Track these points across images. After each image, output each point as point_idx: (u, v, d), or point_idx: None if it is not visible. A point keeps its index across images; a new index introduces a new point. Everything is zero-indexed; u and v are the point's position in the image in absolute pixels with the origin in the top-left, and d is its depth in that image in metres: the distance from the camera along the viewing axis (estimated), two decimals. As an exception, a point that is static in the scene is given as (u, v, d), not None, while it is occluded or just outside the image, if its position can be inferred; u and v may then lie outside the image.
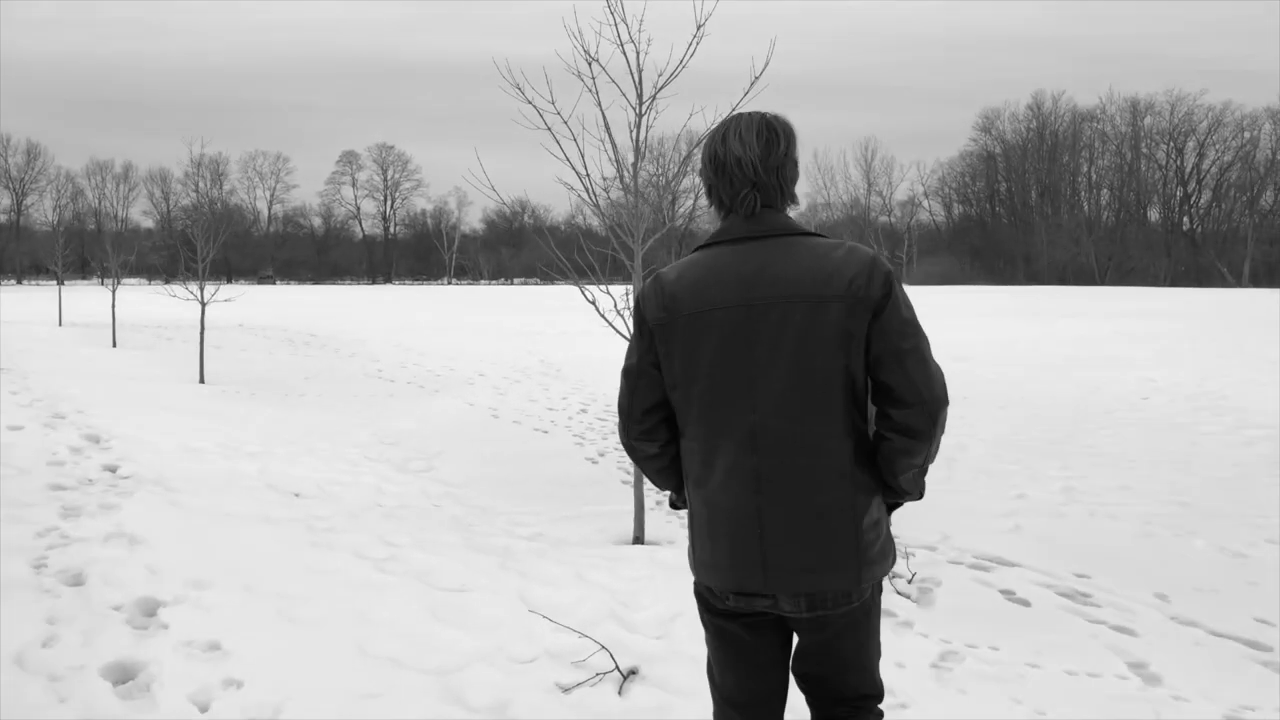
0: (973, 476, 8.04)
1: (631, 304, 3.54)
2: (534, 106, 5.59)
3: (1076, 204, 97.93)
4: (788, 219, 2.13)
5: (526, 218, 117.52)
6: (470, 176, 5.85)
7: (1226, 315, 32.80)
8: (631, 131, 5.56)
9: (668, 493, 2.38)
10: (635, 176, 5.60)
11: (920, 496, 2.19)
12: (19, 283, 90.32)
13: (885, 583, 3.64)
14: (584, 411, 11.71)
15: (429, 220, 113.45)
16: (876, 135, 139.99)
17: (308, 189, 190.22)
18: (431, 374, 15.81)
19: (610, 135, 5.49)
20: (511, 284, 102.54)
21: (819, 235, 2.12)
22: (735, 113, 2.18)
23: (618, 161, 5.59)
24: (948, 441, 9.36)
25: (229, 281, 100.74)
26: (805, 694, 2.36)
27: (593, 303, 5.96)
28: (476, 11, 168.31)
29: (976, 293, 56.93)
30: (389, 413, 11.52)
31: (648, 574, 5.02)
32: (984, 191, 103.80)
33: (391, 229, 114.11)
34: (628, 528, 6.02)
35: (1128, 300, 46.76)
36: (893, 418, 2.05)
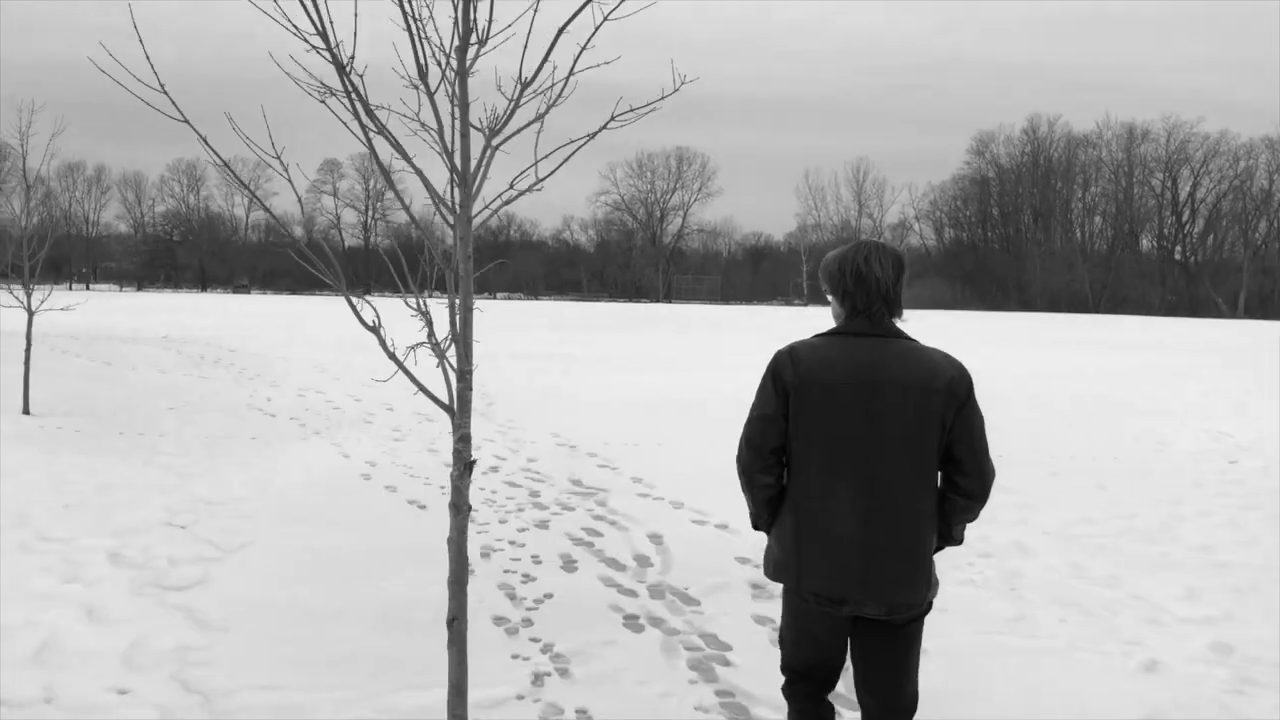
0: (1056, 612, 5.06)
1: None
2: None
3: (1070, 230, 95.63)
4: (896, 325, 2.84)
5: (513, 231, 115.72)
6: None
7: (1247, 349, 30.05)
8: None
9: (753, 514, 2.97)
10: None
11: (960, 543, 2.91)
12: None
13: None
14: (494, 470, 8.69)
15: (412, 231, 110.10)
16: (869, 156, 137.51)
17: (288, 198, 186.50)
18: (327, 407, 12.74)
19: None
20: (495, 298, 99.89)
21: (914, 340, 2.83)
22: (869, 239, 2.91)
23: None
24: (1000, 539, 6.46)
25: (203, 289, 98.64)
26: (865, 707, 2.92)
27: (375, 330, 3.00)
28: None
29: (974, 319, 54.14)
30: (229, 464, 8.48)
31: None
32: (976, 215, 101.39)
33: (373, 239, 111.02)
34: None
35: (1134, 331, 44.04)
36: (958, 484, 2.79)
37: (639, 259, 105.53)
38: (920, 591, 2.74)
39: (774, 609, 4.94)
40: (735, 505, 4.77)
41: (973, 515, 2.81)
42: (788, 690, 3.02)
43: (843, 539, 2.72)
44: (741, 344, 28.38)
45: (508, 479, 8.34)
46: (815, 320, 52.10)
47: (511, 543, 6.33)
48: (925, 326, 39.39)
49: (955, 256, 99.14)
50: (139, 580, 5.28)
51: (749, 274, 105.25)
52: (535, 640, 4.57)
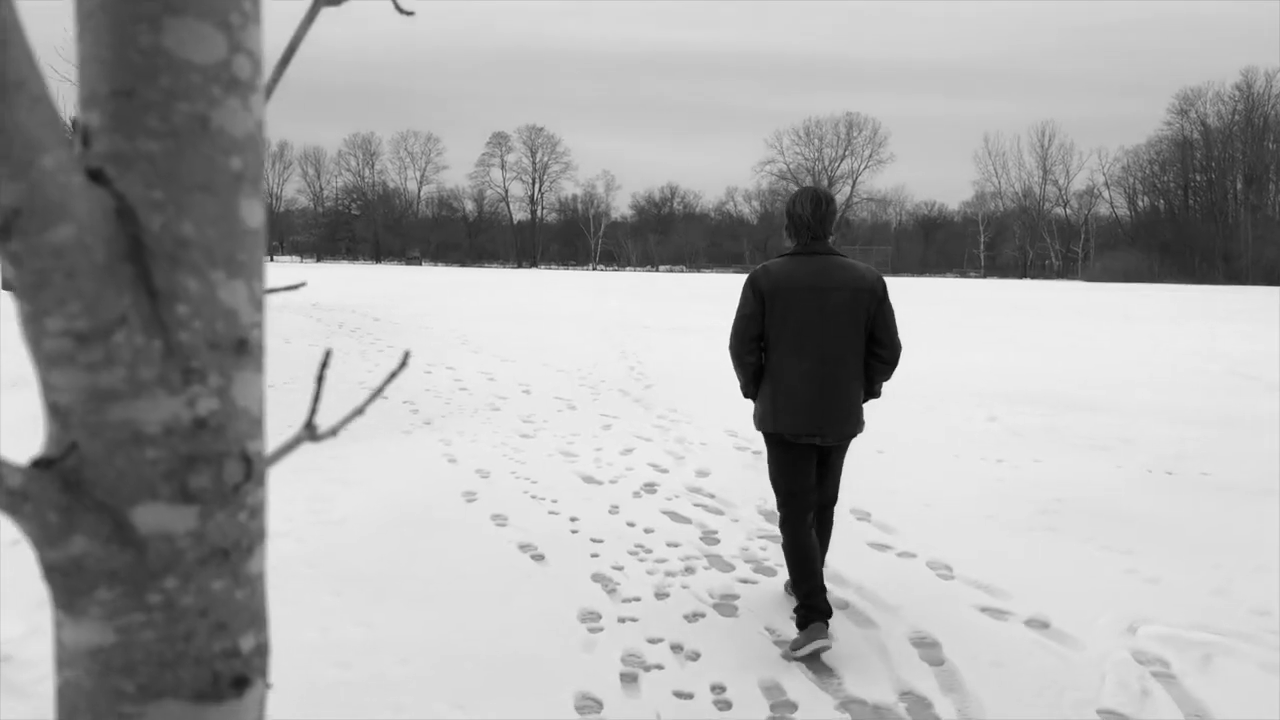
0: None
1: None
2: None
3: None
4: (829, 245, 3.89)
5: (676, 204, 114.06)
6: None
7: None
8: None
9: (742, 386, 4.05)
10: None
11: (879, 396, 4.03)
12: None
13: None
14: (650, 490, 6.10)
15: (578, 205, 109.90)
16: (1054, 120, 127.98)
17: (458, 171, 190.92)
18: (453, 387, 10.45)
19: None
20: (657, 270, 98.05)
21: (844, 255, 3.91)
22: (804, 186, 4.07)
23: None
24: None
25: (377, 261, 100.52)
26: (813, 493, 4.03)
27: None
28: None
29: (1176, 293, 48.23)
30: (293, 472, 6.19)
31: None
32: (1176, 181, 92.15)
33: (539, 212, 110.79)
34: None
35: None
36: (879, 354, 3.89)
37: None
38: (854, 427, 3.93)
39: None
40: (1052, 577, 4.59)
41: (887, 376, 3.98)
42: (785, 513, 3.96)
43: (806, 396, 3.83)
44: (922, 316, 24.94)
45: (669, 505, 5.71)
46: (994, 290, 47.48)
47: (677, 648, 3.69)
48: (1114, 300, 34.63)
49: (1150, 225, 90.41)
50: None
51: (921, 245, 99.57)
52: None
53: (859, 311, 3.81)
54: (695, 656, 3.61)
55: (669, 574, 4.51)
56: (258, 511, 0.46)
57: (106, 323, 0.39)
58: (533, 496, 5.83)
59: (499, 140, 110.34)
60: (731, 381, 6.91)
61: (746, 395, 4.03)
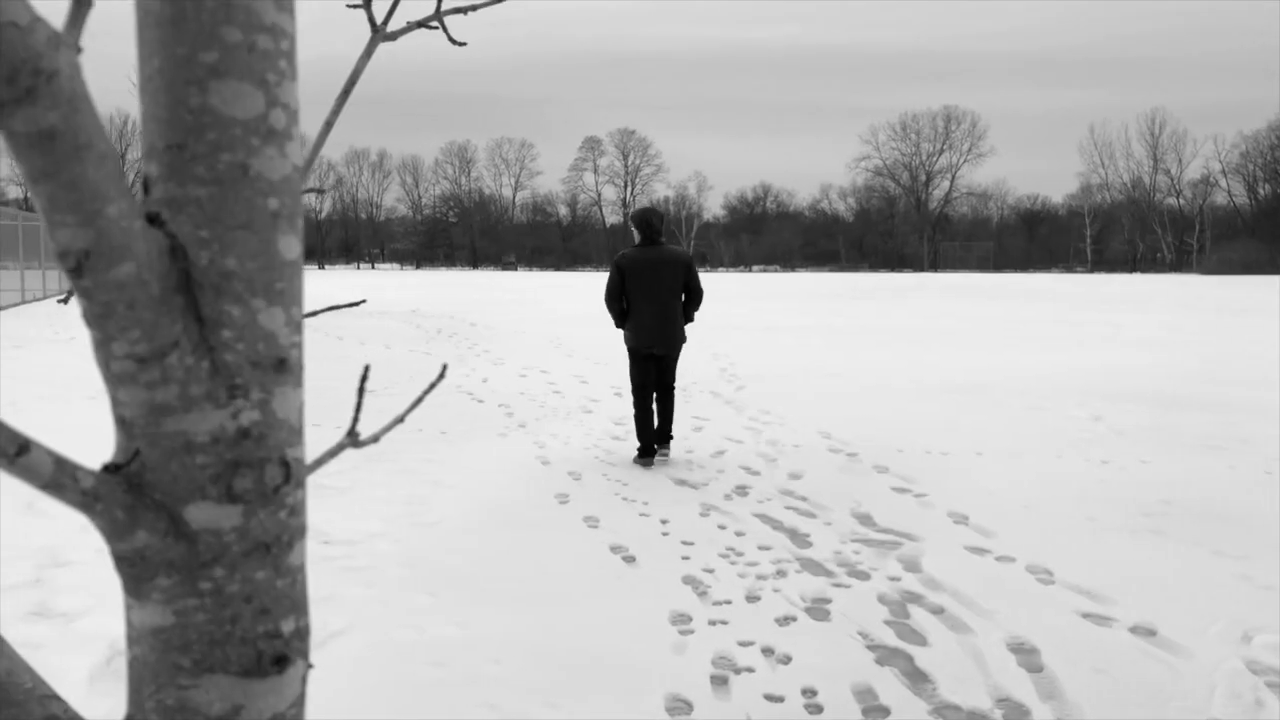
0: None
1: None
2: None
3: None
4: (660, 240, 6.84)
5: (769, 203, 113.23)
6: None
7: None
8: None
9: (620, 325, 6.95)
10: None
11: (693, 321, 7.06)
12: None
13: None
14: (742, 493, 6.08)
15: (669, 206, 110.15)
16: (1165, 107, 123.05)
17: (551, 176, 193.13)
18: (547, 390, 10.59)
19: None
20: (750, 270, 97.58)
21: (668, 244, 6.91)
22: (643, 208, 7.08)
23: None
24: None
25: (474, 267, 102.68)
26: (655, 383, 6.95)
27: None
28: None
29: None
30: (384, 475, 6.35)
31: None
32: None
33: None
34: None
35: None
36: (691, 299, 6.89)
37: (902, 226, 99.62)
38: (678, 342, 6.84)
39: None
40: (1159, 582, 4.41)
41: (695, 309, 6.92)
42: (636, 399, 6.90)
43: (651, 327, 6.71)
44: (1024, 314, 24.26)
45: (760, 508, 5.69)
46: (1101, 286, 45.85)
47: (768, 651, 3.68)
48: (1229, 294, 33.06)
49: (1273, 214, 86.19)
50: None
51: (1024, 240, 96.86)
52: None
53: (679, 275, 6.81)
54: (786, 660, 3.59)
55: (760, 577, 4.50)
56: (297, 510, 0.52)
57: (162, 346, 0.45)
58: (624, 499, 5.87)
59: (591, 144, 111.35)
60: (825, 382, 7.15)
61: (618, 327, 6.94)
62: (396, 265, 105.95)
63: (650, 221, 6.81)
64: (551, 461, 6.87)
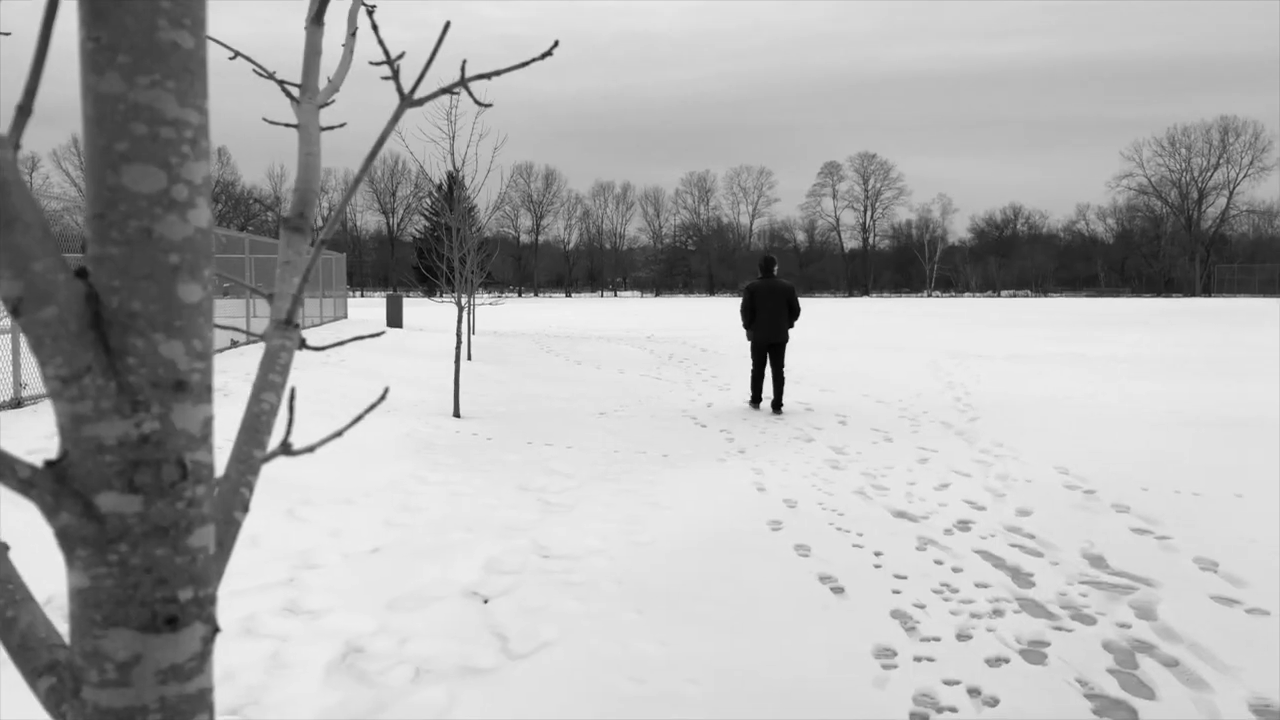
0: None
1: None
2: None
3: None
4: (773, 274, 11.49)
5: (1020, 224, 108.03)
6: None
7: None
8: None
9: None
10: None
11: (794, 326, 13.57)
12: (535, 295, 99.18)
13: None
14: (964, 527, 5.83)
15: (912, 230, 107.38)
16: None
17: (789, 203, 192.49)
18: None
19: None
20: (998, 295, 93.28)
21: (778, 278, 11.48)
22: (764, 253, 12.25)
23: None
24: None
25: (711, 294, 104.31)
26: (770, 366, 11.45)
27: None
28: (949, 16, 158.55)
29: None
30: (607, 495, 6.57)
31: None
32: None
33: (871, 240, 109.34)
34: None
35: None
36: (792, 311, 11.37)
37: (1169, 248, 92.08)
38: (785, 338, 11.22)
39: None
40: None
41: (794, 321, 11.34)
42: (755, 368, 11.49)
43: (767, 327, 11.18)
44: (1326, 344, 21.74)
45: (982, 544, 5.45)
46: None
47: (974, 692, 3.53)
48: None
49: None
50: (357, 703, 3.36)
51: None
52: None
53: (784, 298, 11.14)
54: (993, 702, 3.43)
55: (974, 615, 4.32)
56: (195, 502, 0.66)
57: (78, 370, 0.61)
58: (838, 529, 5.79)
59: (830, 170, 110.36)
60: (1067, 413, 6.65)
61: (746, 327, 11.35)
62: (637, 293, 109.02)
63: (767, 263, 11.42)
64: (767, 488, 6.88)
